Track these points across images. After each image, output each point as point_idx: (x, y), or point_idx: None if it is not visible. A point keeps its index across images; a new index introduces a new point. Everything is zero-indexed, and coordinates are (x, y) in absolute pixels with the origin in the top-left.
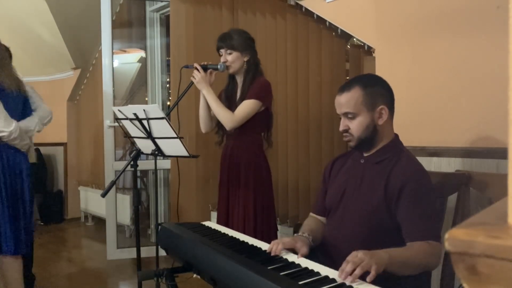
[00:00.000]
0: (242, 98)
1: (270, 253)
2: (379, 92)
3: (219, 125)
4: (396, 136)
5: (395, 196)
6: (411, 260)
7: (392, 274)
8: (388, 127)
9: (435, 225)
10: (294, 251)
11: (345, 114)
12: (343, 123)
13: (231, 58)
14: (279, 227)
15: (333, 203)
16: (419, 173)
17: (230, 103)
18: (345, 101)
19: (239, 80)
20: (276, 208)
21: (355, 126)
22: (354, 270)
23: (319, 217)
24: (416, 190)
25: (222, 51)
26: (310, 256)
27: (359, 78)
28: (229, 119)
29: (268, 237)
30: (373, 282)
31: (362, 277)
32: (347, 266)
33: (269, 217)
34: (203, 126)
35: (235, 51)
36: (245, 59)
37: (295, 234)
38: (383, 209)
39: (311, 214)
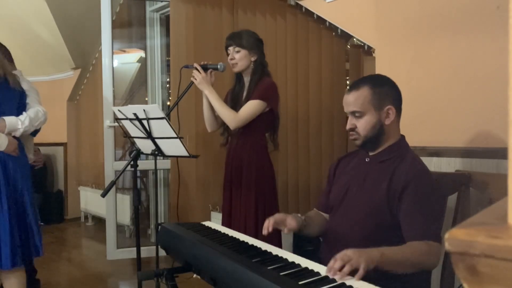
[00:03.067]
0: (248, 99)
1: (270, 253)
2: (387, 93)
3: (224, 126)
4: (403, 137)
5: (397, 195)
6: (405, 259)
7: (386, 271)
8: (394, 127)
9: (435, 225)
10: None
11: (353, 113)
12: (350, 122)
13: (239, 56)
14: None
15: (336, 200)
16: (422, 173)
17: (236, 103)
18: (353, 99)
19: (246, 80)
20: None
21: (362, 125)
22: (342, 267)
23: (321, 213)
24: (418, 190)
25: (231, 48)
26: (310, 256)
27: (368, 78)
28: (232, 118)
29: (271, 239)
30: (373, 281)
31: (352, 275)
32: (335, 263)
33: None
34: (208, 126)
35: (243, 49)
36: (253, 59)
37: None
38: (385, 208)
39: (314, 209)
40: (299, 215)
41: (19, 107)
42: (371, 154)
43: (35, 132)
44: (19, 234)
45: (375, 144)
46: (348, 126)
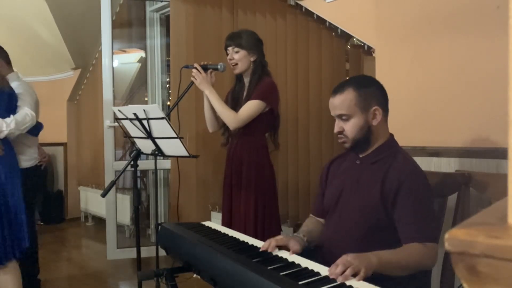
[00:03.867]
0: (247, 99)
1: (270, 253)
2: (372, 93)
3: (225, 126)
4: (392, 136)
5: (391, 197)
6: (402, 262)
7: (385, 275)
8: (382, 127)
9: (431, 226)
10: (288, 249)
11: (339, 116)
12: (338, 125)
13: (238, 57)
14: None
15: (330, 204)
16: (415, 174)
17: (237, 104)
18: (338, 103)
19: (246, 80)
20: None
21: (350, 128)
22: (344, 271)
23: (318, 219)
24: (412, 191)
25: (230, 49)
26: (309, 256)
27: (352, 80)
28: (232, 119)
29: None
30: (373, 282)
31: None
32: (337, 268)
33: (271, 217)
34: (209, 126)
35: (242, 49)
36: (252, 59)
37: (292, 235)
38: (379, 210)
39: (311, 215)
40: (301, 235)
41: (8, 108)
42: (361, 155)
43: (37, 132)
44: (8, 231)
45: (364, 146)
46: (336, 130)
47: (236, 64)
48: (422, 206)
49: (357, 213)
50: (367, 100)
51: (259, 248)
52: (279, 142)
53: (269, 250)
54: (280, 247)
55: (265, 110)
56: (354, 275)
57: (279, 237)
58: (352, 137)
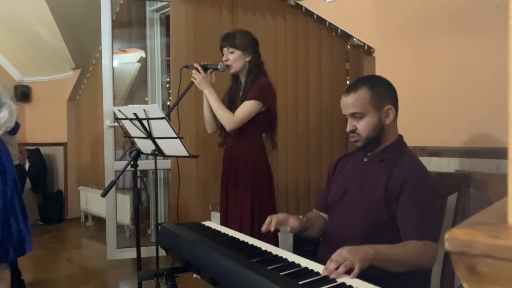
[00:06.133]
0: (243, 99)
1: (270, 253)
2: (385, 92)
3: (221, 126)
4: (400, 136)
5: (395, 195)
6: (400, 257)
7: (382, 269)
8: (393, 127)
9: (432, 225)
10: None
11: (353, 115)
12: (350, 124)
13: (233, 57)
14: None
15: (335, 200)
16: (420, 173)
17: (233, 104)
18: (352, 101)
19: (242, 80)
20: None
21: (363, 126)
22: (338, 267)
23: (321, 214)
24: (415, 189)
25: (225, 49)
26: (310, 255)
27: (364, 79)
28: (228, 120)
29: (267, 238)
30: (372, 281)
31: (348, 273)
32: (330, 264)
33: (268, 215)
34: (208, 126)
35: (237, 50)
36: (247, 59)
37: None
38: (383, 207)
39: (314, 210)
40: (301, 216)
41: None
42: (369, 153)
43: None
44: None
45: (375, 145)
46: (348, 128)
47: (231, 64)
48: (424, 205)
49: (361, 210)
50: (381, 99)
51: (259, 248)
52: (278, 141)
53: (271, 229)
54: (280, 224)
55: (261, 110)
56: (350, 269)
57: (279, 215)
58: (366, 135)
